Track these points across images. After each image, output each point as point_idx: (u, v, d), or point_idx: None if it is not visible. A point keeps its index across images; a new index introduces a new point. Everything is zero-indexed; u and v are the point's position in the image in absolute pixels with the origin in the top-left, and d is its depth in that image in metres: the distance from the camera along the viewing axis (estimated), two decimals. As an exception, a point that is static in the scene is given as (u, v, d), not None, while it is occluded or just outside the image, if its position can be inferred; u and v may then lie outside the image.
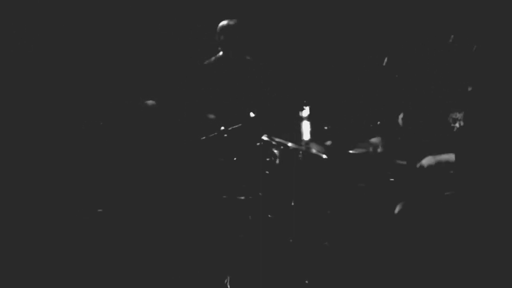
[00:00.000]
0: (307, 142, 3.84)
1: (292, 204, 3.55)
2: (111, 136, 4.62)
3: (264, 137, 3.63)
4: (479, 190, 2.93)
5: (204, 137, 3.72)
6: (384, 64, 4.06)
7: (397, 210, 3.17)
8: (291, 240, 3.50)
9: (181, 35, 4.89)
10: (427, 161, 3.22)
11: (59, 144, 4.59)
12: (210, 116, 4.23)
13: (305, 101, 4.13)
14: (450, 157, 3.19)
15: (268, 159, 3.65)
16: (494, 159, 2.91)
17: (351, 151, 3.40)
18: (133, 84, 4.77)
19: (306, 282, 3.38)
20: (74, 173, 4.55)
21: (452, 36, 3.17)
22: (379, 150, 3.43)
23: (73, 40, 4.69)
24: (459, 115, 3.37)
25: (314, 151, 3.69)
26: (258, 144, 3.67)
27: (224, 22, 4.37)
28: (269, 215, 3.59)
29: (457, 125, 3.37)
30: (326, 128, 4.13)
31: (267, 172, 3.64)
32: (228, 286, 3.45)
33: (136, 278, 3.68)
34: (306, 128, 4.17)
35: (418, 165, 3.24)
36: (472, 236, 2.92)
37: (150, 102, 4.51)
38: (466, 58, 3.14)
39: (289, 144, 3.63)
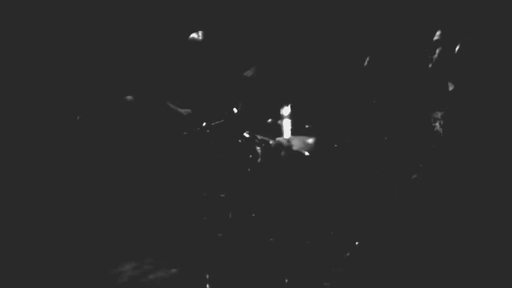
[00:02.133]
0: (289, 140, 3.82)
1: (274, 202, 3.52)
2: (90, 132, 4.54)
3: (246, 134, 3.60)
4: (463, 188, 2.94)
5: (185, 133, 3.67)
6: (365, 63, 4.06)
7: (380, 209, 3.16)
8: (272, 239, 3.47)
9: (162, 31, 4.83)
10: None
11: (36, 141, 4.50)
12: (186, 110, 4.19)
13: (286, 99, 4.12)
14: None
15: (250, 156, 3.62)
16: (476, 158, 2.93)
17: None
18: (112, 79, 4.70)
19: (286, 281, 3.35)
20: (52, 169, 4.47)
21: (437, 34, 3.17)
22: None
23: (52, 37, 4.61)
24: (439, 115, 3.39)
25: (295, 148, 3.67)
26: (240, 141, 3.63)
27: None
28: (250, 213, 3.56)
29: (437, 124, 3.39)
30: (307, 126, 4.12)
31: (249, 169, 3.60)
32: (208, 285, 3.40)
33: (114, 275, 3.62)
34: (287, 126, 4.16)
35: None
36: (456, 237, 2.93)
37: (129, 97, 4.45)
38: (447, 58, 3.15)
39: (271, 141, 3.60)
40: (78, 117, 4.41)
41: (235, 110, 3.69)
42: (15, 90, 4.49)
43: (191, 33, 4.36)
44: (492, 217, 2.89)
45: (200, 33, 4.25)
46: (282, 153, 3.59)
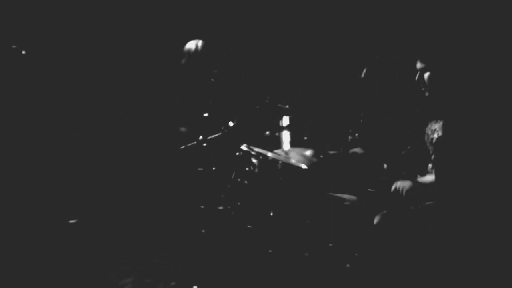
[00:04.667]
0: (287, 152, 3.83)
1: (271, 214, 3.53)
2: (89, 146, 4.57)
3: (243, 147, 3.61)
4: (458, 200, 2.94)
5: (183, 147, 3.69)
6: (362, 75, 4.08)
7: (376, 220, 3.17)
8: (270, 251, 3.48)
9: (159, 45, 4.86)
10: (401, 184, 3.25)
11: (36, 148, 4.53)
12: (182, 129, 4.21)
13: (285, 111, 4.13)
14: (425, 179, 3.23)
15: (247, 169, 3.63)
16: (473, 169, 2.93)
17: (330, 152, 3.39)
18: (111, 93, 4.73)
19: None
20: (49, 181, 4.49)
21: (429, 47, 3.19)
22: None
23: (51, 43, 4.63)
24: (436, 126, 3.39)
25: (293, 161, 3.68)
26: (237, 154, 3.65)
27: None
28: (248, 226, 3.57)
29: (435, 135, 3.39)
30: (305, 138, 4.13)
31: (246, 182, 3.61)
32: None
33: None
34: (285, 138, 4.18)
35: (393, 188, 3.26)
36: (451, 247, 2.93)
37: (128, 110, 4.49)
38: (444, 70, 3.16)
39: (268, 154, 3.62)
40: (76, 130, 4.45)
41: (231, 123, 3.70)
42: (16, 95, 4.52)
43: (190, 36, 4.37)
44: (492, 227, 2.89)
45: (199, 42, 4.26)
46: (280, 165, 3.60)
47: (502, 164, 2.94)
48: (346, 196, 3.55)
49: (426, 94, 3.23)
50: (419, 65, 3.20)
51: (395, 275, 3.07)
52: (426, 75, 3.17)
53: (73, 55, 4.66)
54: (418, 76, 3.22)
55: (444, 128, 3.17)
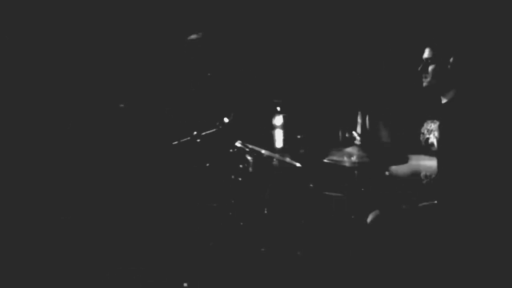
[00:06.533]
0: (281, 150, 3.82)
1: (265, 212, 3.51)
2: (81, 140, 4.53)
3: (238, 144, 3.59)
4: (455, 200, 2.94)
5: (176, 142, 3.66)
6: (359, 74, 4.08)
7: (369, 219, 3.16)
8: (263, 249, 3.46)
9: (156, 41, 4.83)
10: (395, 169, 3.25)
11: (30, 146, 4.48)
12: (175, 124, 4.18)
13: (278, 109, 4.13)
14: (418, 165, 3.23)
15: (241, 166, 3.61)
16: (470, 169, 2.93)
17: (325, 160, 3.34)
18: (105, 87, 4.69)
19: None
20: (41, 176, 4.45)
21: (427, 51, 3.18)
22: (353, 159, 3.38)
23: (48, 40, 4.60)
24: (433, 126, 3.39)
25: (287, 159, 3.68)
26: (231, 150, 3.63)
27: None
28: (241, 223, 3.55)
29: (431, 136, 3.39)
30: (299, 136, 4.13)
31: (240, 179, 3.60)
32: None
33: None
34: (279, 136, 4.17)
35: (387, 173, 3.26)
36: (447, 247, 2.93)
37: (121, 105, 4.45)
38: (440, 71, 3.16)
39: (263, 151, 3.60)
40: (69, 124, 4.40)
41: (226, 119, 3.68)
42: (11, 93, 4.48)
43: (187, 36, 4.35)
44: (489, 228, 2.90)
45: (197, 34, 4.24)
46: (274, 163, 3.59)
47: (500, 165, 2.94)
48: (340, 195, 3.55)
49: (425, 84, 3.19)
50: (426, 54, 3.18)
51: (389, 275, 3.07)
52: (431, 67, 3.15)
53: (71, 53, 4.62)
54: (422, 66, 3.19)
55: (441, 128, 3.17)
